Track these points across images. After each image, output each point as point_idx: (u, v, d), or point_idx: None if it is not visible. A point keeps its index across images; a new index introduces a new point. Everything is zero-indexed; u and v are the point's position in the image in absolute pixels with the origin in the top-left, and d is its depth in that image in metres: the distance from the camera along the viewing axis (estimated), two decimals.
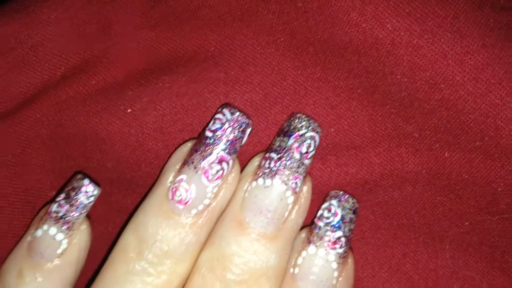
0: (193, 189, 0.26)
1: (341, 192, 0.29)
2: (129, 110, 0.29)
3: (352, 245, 0.31)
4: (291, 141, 0.27)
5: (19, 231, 0.30)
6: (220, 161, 0.26)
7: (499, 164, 0.27)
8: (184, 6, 0.29)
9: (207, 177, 0.26)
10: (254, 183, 0.27)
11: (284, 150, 0.27)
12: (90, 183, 0.28)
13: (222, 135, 0.26)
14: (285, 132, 0.27)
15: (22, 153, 0.29)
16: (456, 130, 0.27)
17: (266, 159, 0.27)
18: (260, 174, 0.27)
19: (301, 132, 0.27)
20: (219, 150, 0.26)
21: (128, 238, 0.27)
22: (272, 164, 0.26)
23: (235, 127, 0.27)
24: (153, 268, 0.26)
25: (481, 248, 0.30)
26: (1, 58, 0.26)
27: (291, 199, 0.26)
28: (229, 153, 0.27)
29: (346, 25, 0.26)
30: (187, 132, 0.30)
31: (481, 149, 0.27)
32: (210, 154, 0.26)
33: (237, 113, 0.27)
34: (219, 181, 0.27)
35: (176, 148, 0.29)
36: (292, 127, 0.27)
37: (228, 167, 0.27)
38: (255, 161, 0.28)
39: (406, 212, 0.31)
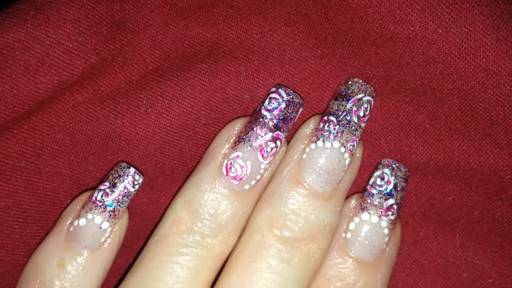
0: (248, 165, 0.27)
1: (393, 160, 0.29)
2: (151, 110, 0.29)
3: None
4: (349, 105, 0.27)
5: (30, 240, 0.30)
6: (275, 139, 0.27)
7: (507, 152, 0.28)
8: (198, 2, 0.29)
9: (263, 155, 0.27)
10: (313, 145, 0.27)
11: (343, 114, 0.27)
12: (136, 171, 0.28)
13: (278, 114, 0.27)
14: (343, 96, 0.28)
15: (38, 160, 0.28)
16: (466, 117, 0.28)
17: (324, 121, 0.28)
18: (320, 136, 0.27)
19: (359, 96, 0.28)
20: (275, 128, 0.27)
21: (180, 212, 0.27)
22: (331, 127, 0.27)
23: (290, 107, 0.27)
24: (207, 241, 0.27)
25: (490, 237, 0.31)
26: (15, 59, 0.26)
27: (348, 160, 0.27)
28: (283, 132, 0.27)
29: (363, 21, 0.26)
30: (211, 126, 0.30)
31: (490, 136, 0.28)
32: (266, 132, 0.27)
33: (293, 94, 0.28)
34: (271, 158, 0.27)
35: (225, 125, 0.29)
36: (350, 91, 0.28)
37: (280, 145, 0.28)
38: (310, 124, 0.29)
39: (417, 200, 0.31)
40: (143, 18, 0.29)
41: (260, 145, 0.27)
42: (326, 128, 0.27)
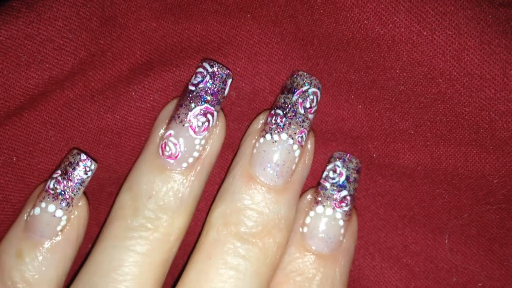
0: (181, 142, 0.27)
1: (344, 153, 0.30)
2: (140, 104, 0.30)
3: None
4: (295, 97, 0.28)
5: None
6: (205, 113, 0.27)
7: (493, 156, 0.28)
8: None
9: (194, 130, 0.27)
10: (261, 139, 0.28)
11: (289, 106, 0.28)
12: (87, 157, 0.28)
13: (204, 88, 0.27)
14: (289, 89, 0.28)
15: (30, 157, 0.29)
16: (452, 123, 0.28)
17: (272, 115, 0.28)
18: (268, 130, 0.28)
19: (304, 88, 0.28)
20: (202, 102, 0.27)
21: (124, 197, 0.28)
22: (278, 120, 0.28)
23: (216, 79, 0.27)
24: (150, 223, 0.27)
25: (479, 240, 0.31)
26: (7, 55, 0.26)
27: (297, 152, 0.28)
28: (212, 105, 0.27)
29: (349, 21, 0.27)
30: None
31: (476, 142, 0.28)
32: (194, 107, 0.27)
33: (217, 66, 0.28)
34: (205, 133, 0.27)
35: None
36: (295, 84, 0.28)
37: (213, 119, 0.28)
38: (260, 119, 0.29)
39: (406, 204, 0.31)
40: (134, 13, 0.29)
41: (189, 120, 0.27)
42: (273, 121, 0.28)
